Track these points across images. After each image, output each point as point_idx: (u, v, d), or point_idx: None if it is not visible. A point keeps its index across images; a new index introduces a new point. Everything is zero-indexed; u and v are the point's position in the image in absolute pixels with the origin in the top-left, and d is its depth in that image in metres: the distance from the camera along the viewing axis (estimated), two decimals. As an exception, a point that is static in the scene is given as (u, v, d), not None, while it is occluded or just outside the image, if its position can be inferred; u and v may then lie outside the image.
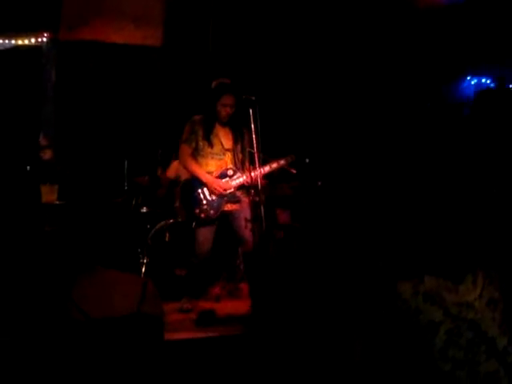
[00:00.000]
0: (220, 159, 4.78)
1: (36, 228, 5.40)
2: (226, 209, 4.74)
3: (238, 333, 4.28)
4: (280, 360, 3.62)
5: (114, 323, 2.57)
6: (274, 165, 4.79)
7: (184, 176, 6.13)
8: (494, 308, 2.18)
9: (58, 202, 6.01)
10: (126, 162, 6.13)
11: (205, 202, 4.67)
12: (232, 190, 4.71)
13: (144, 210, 5.99)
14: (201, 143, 4.76)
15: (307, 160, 5.36)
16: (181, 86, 7.35)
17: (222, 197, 4.68)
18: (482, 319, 2.16)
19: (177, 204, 6.23)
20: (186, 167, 4.91)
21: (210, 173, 4.73)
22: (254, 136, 4.42)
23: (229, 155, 4.79)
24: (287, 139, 4.87)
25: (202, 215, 4.67)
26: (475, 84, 8.42)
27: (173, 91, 7.37)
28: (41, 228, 5.47)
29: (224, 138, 4.80)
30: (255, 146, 4.43)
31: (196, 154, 4.79)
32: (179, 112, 7.21)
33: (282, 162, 4.82)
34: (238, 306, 5.04)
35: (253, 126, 4.43)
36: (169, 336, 4.17)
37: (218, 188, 4.64)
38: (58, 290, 2.65)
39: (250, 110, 4.46)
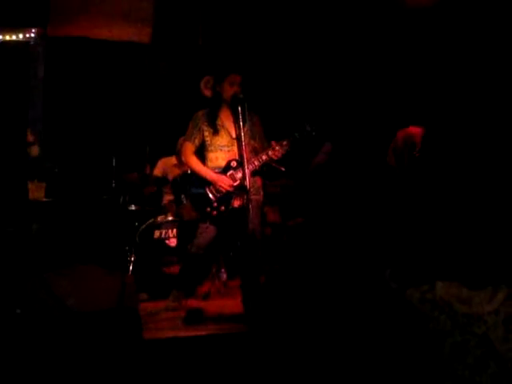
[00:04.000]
0: (228, 151, 4.60)
1: (23, 225, 5.36)
2: (235, 205, 4.59)
3: (226, 331, 4.26)
4: (271, 358, 3.60)
5: (94, 317, 2.55)
6: (270, 152, 4.61)
7: (171, 174, 6.14)
8: (510, 328, 2.02)
9: (45, 199, 5.97)
10: (113, 159, 6.09)
11: (214, 198, 4.56)
12: (238, 182, 4.60)
13: (132, 207, 5.97)
14: (208, 138, 4.61)
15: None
16: (170, 82, 7.32)
17: (230, 190, 4.57)
18: (495, 337, 2.01)
19: (165, 202, 6.25)
20: (188, 165, 4.79)
21: (219, 167, 4.62)
22: (242, 134, 4.39)
23: (237, 145, 4.59)
24: (278, 135, 4.76)
25: (214, 213, 4.58)
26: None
27: (162, 88, 7.34)
28: (28, 225, 5.43)
29: (231, 128, 4.64)
30: (244, 142, 4.38)
31: (204, 151, 4.67)
32: (168, 109, 7.22)
33: (277, 147, 4.63)
34: (227, 304, 5.02)
35: (241, 123, 4.40)
36: (156, 335, 4.18)
37: (223, 186, 4.51)
38: (40, 285, 2.62)
39: (239, 108, 4.43)
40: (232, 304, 4.94)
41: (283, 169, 5.32)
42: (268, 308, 4.29)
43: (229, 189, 4.52)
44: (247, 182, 4.28)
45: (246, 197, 4.35)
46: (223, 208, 4.56)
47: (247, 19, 7.11)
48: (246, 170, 4.32)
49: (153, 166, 6.45)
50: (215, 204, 4.56)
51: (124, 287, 2.69)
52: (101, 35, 7.01)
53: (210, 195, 4.56)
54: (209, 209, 4.56)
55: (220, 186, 4.52)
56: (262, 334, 3.95)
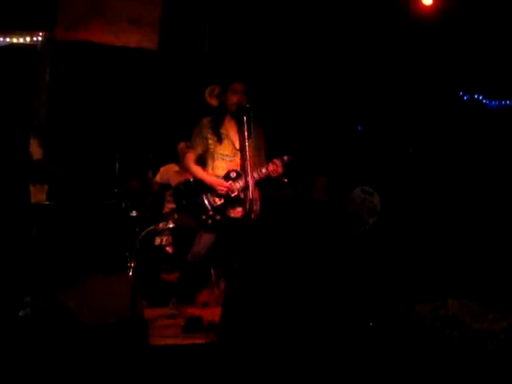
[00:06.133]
0: (230, 161, 4.59)
1: (24, 228, 5.36)
2: (232, 215, 4.64)
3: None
4: (269, 365, 3.60)
5: (108, 329, 2.56)
6: (271, 167, 4.64)
7: (173, 181, 6.13)
8: None
9: (47, 203, 5.97)
10: (116, 165, 6.09)
11: (210, 207, 4.57)
12: (236, 193, 4.59)
13: (133, 213, 5.95)
14: (212, 146, 4.61)
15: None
16: (175, 89, 7.34)
17: (227, 200, 4.57)
18: (509, 353, 1.99)
19: (167, 210, 6.24)
20: (189, 171, 4.79)
21: (218, 176, 4.62)
22: (247, 143, 4.38)
23: (240, 156, 4.60)
24: (284, 142, 4.76)
25: (209, 221, 4.58)
26: (467, 100, 8.47)
27: (166, 95, 7.35)
28: (29, 228, 5.43)
29: (235, 138, 4.64)
30: (248, 151, 4.37)
31: (206, 157, 4.68)
32: (172, 116, 7.23)
33: (278, 162, 4.65)
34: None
35: (246, 133, 4.39)
36: (155, 342, 4.16)
37: (222, 188, 4.51)
38: (47, 293, 2.62)
39: (244, 117, 4.42)
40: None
41: (286, 180, 5.32)
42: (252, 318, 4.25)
43: (226, 191, 4.51)
44: (251, 194, 4.28)
45: (245, 207, 4.39)
46: (218, 217, 4.56)
47: (254, 27, 7.13)
48: (250, 181, 4.31)
49: (155, 172, 6.45)
50: (211, 213, 4.56)
51: (135, 296, 2.69)
52: (107, 40, 7.04)
53: (207, 203, 4.57)
54: (204, 217, 4.57)
55: (219, 189, 4.52)
56: (234, 345, 3.93)
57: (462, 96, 8.42)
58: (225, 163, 4.63)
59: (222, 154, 4.63)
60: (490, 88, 8.19)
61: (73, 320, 2.50)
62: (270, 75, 7.11)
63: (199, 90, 5.10)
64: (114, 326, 2.56)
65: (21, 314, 2.89)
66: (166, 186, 6.23)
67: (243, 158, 4.51)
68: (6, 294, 3.37)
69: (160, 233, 5.75)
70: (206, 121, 4.71)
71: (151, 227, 5.78)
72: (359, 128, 7.26)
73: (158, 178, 6.39)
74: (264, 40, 7.12)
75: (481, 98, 8.39)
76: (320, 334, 3.67)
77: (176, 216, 5.92)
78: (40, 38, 7.01)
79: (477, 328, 2.05)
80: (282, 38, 7.12)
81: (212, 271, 5.62)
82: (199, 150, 4.66)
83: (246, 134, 4.36)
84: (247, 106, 4.45)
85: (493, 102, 8.32)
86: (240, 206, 4.57)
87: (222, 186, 4.52)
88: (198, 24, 7.30)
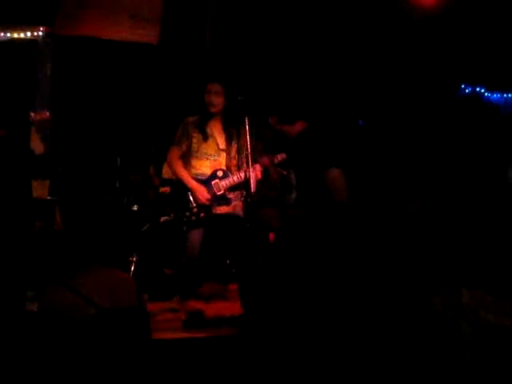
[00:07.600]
0: (214, 160, 4.67)
1: (26, 223, 5.37)
2: (217, 211, 4.68)
3: (226, 334, 4.26)
4: (271, 361, 3.61)
5: (120, 313, 2.59)
6: (266, 162, 4.68)
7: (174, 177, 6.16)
8: None
9: (48, 198, 5.99)
10: (118, 160, 6.10)
11: (195, 204, 4.62)
12: (222, 191, 4.63)
13: (135, 208, 5.96)
14: (195, 145, 4.67)
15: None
16: (176, 84, 7.34)
17: (213, 198, 4.62)
18: None
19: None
20: (172, 170, 4.85)
21: (203, 174, 4.66)
22: (247, 137, 4.40)
23: (223, 156, 4.69)
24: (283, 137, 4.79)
25: (193, 218, 4.62)
26: (469, 93, 8.46)
27: (168, 89, 7.35)
28: (31, 223, 5.44)
29: (219, 138, 4.70)
30: (249, 147, 4.40)
31: (189, 156, 4.71)
32: (173, 110, 7.22)
33: (274, 159, 4.71)
34: (227, 307, 4.99)
35: (247, 127, 4.40)
36: (157, 336, 4.17)
37: (200, 197, 4.57)
38: (65, 289, 2.64)
39: (246, 119, 4.43)
40: (232, 307, 4.92)
41: (285, 173, 5.34)
42: (269, 312, 4.28)
43: (204, 202, 4.56)
44: (253, 187, 4.31)
45: (231, 205, 4.66)
46: (203, 215, 4.59)
47: (255, 25, 7.13)
48: (252, 174, 4.34)
49: (157, 167, 6.46)
50: (195, 210, 4.59)
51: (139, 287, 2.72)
52: (109, 35, 7.03)
53: (192, 200, 4.60)
54: (188, 213, 4.59)
55: (197, 196, 4.55)
56: (260, 337, 3.95)
57: (464, 89, 8.41)
58: (209, 162, 4.69)
59: (206, 153, 4.68)
60: (492, 81, 8.18)
61: (90, 305, 2.52)
62: (270, 71, 7.10)
63: (200, 85, 5.11)
64: (124, 312, 2.59)
65: (26, 307, 2.92)
66: (168, 181, 6.25)
67: (228, 158, 4.62)
68: (9, 289, 3.38)
69: (162, 227, 5.76)
70: (190, 119, 4.77)
71: (153, 221, 5.79)
72: (360, 123, 7.26)
73: (164, 174, 6.45)
74: (265, 36, 7.11)
75: (482, 90, 8.37)
76: (333, 327, 3.68)
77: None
78: (41, 33, 7.01)
79: (489, 320, 2.03)
80: (283, 34, 7.10)
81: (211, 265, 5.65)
82: (184, 148, 4.72)
83: (247, 135, 4.37)
84: (241, 98, 4.46)
85: (494, 95, 8.31)
86: (225, 203, 4.65)
87: (200, 194, 4.56)
88: (199, 19, 7.28)
